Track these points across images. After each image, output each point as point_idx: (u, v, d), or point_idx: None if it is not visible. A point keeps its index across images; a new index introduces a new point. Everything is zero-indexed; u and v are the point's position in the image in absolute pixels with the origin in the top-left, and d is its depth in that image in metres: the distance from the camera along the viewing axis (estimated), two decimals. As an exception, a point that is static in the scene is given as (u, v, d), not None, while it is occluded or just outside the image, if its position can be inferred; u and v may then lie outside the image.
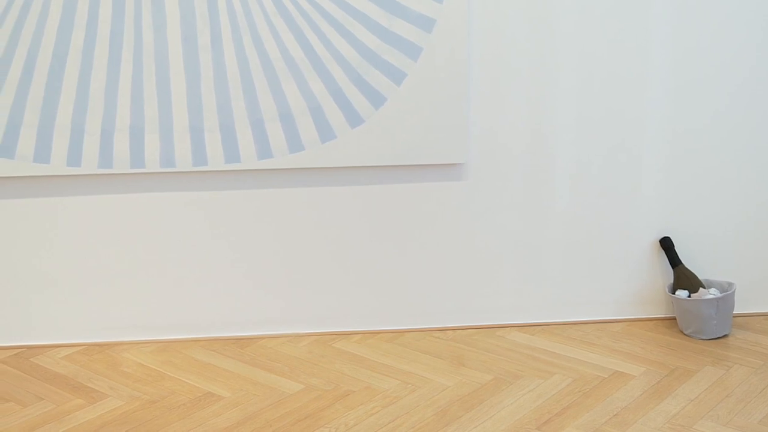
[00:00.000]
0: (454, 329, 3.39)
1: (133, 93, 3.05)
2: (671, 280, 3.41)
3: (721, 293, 3.28)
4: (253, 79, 3.08)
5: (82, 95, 3.03)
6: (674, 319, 3.41)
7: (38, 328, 3.25)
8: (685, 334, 3.31)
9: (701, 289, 3.29)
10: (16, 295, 3.22)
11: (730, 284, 3.32)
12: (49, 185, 3.13)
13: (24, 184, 3.13)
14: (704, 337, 3.26)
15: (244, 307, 3.31)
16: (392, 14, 3.07)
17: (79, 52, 3.00)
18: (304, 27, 3.06)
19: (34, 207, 3.15)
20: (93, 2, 2.97)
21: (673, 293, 3.33)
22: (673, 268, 3.37)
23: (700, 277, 3.40)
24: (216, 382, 3.00)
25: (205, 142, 3.10)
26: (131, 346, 3.27)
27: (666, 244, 3.36)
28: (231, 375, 3.05)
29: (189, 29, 3.02)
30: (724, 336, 3.28)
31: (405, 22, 3.09)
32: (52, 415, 2.78)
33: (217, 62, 3.05)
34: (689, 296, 3.29)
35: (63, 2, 2.96)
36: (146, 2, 2.99)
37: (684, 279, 3.32)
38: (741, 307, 3.42)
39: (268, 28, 3.05)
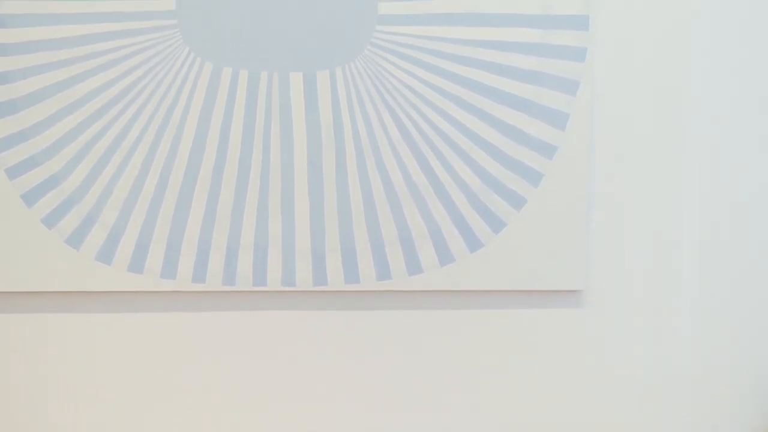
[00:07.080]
0: (567, 458, 3.33)
1: (258, 212, 3.13)
2: (800, 418, 3.31)
3: None
4: (376, 204, 3.13)
5: (209, 213, 3.12)
6: (801, 459, 3.29)
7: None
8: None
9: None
10: (152, 408, 3.28)
11: None
12: (174, 301, 3.21)
13: (150, 299, 3.21)
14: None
15: (364, 429, 3.31)
16: (515, 141, 3.10)
17: (209, 173, 3.10)
18: (428, 153, 3.11)
19: (158, 322, 3.22)
20: (225, 126, 3.08)
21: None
22: (801, 406, 3.27)
23: (829, 416, 3.28)
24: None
25: (326, 263, 3.15)
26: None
27: (793, 381, 3.26)
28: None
29: (315, 154, 3.10)
30: None
31: (527, 149, 3.12)
32: None
33: (341, 186, 3.12)
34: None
35: (196, 126, 3.08)
36: (275, 128, 3.09)
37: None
38: None
39: (392, 153, 3.11)
